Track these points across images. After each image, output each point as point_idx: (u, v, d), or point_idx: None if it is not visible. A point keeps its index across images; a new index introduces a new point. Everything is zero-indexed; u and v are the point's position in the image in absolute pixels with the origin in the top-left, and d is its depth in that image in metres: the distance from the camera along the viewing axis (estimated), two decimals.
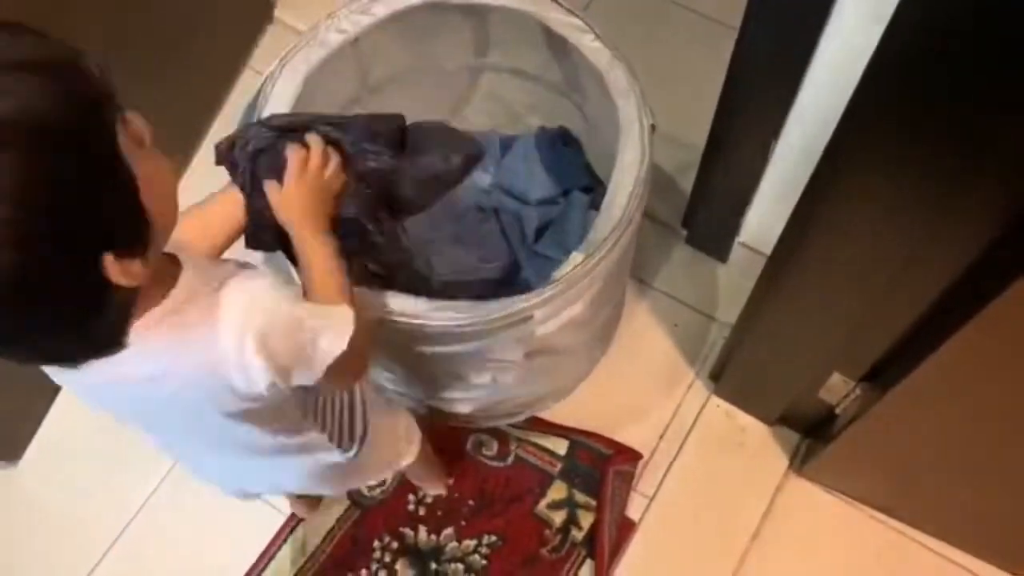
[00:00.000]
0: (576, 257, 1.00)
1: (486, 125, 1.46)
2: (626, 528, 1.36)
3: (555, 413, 1.42)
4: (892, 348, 1.09)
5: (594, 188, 1.39)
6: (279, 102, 1.09)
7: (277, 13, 1.77)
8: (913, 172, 0.79)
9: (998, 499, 1.21)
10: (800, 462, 1.40)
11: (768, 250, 1.35)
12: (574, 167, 1.40)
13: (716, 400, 1.44)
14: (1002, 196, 0.77)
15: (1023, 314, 0.81)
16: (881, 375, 1.13)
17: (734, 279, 1.50)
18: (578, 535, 1.35)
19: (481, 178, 1.44)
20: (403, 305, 0.98)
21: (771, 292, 1.12)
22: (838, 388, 1.22)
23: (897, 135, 0.76)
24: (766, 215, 1.36)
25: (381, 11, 1.16)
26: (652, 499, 1.38)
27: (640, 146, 1.07)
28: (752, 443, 1.42)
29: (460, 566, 1.34)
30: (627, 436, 1.41)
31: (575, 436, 1.41)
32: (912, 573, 1.35)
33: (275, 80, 1.11)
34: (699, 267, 1.53)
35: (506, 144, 1.44)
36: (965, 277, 0.89)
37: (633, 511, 1.37)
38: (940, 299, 0.94)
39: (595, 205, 1.35)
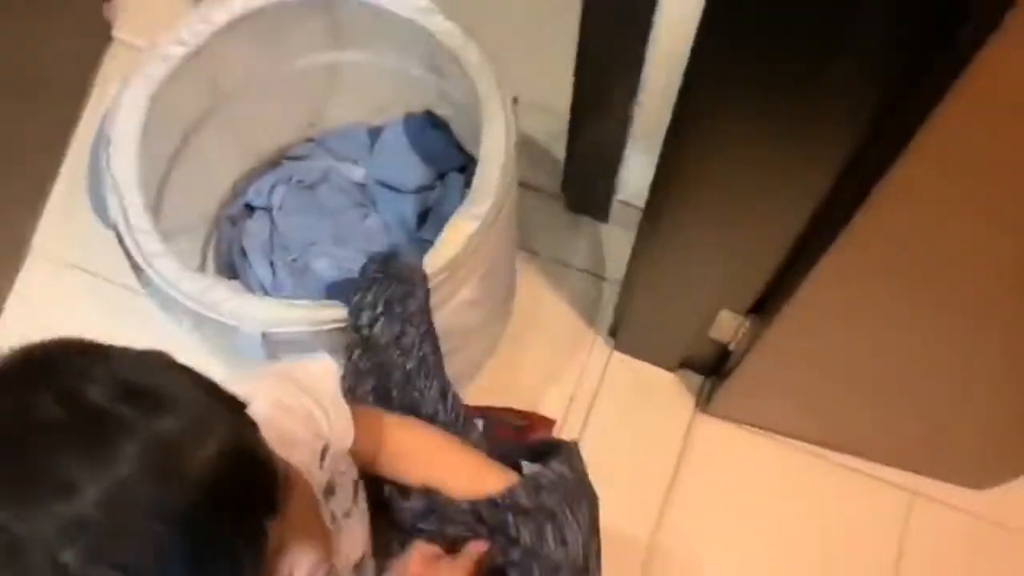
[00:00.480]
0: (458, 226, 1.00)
1: (351, 120, 1.44)
2: None
3: (465, 395, 1.42)
4: (772, 280, 1.13)
5: (467, 167, 1.39)
6: (127, 124, 1.05)
7: (116, 32, 1.69)
8: (764, 104, 0.82)
9: (890, 407, 1.29)
10: (705, 401, 1.45)
11: (640, 205, 1.39)
12: (446, 149, 1.40)
13: (618, 355, 1.47)
14: (845, 131, 0.81)
15: (876, 237, 0.86)
16: (765, 306, 1.18)
17: (618, 237, 1.53)
18: None
19: (353, 172, 1.42)
20: (284, 313, 0.96)
21: (649, 243, 1.15)
22: (728, 325, 1.27)
23: (744, 67, 0.79)
24: (640, 169, 1.39)
25: (220, 18, 1.13)
26: None
27: (503, 119, 1.07)
28: (659, 390, 1.46)
29: None
30: (538, 404, 1.43)
31: (488, 414, 1.42)
32: (823, 488, 1.42)
33: (119, 102, 1.07)
34: (583, 230, 1.55)
35: (374, 135, 1.43)
36: (825, 205, 0.94)
37: None
38: (807, 228, 0.99)
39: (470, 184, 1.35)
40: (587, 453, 1.38)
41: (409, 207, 1.38)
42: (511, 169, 1.06)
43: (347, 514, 0.67)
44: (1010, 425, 1.22)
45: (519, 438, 1.40)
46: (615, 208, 1.51)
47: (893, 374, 1.20)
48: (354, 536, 0.68)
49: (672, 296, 1.24)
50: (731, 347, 1.32)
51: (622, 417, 1.44)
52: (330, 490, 0.66)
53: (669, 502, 1.39)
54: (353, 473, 0.70)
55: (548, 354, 1.47)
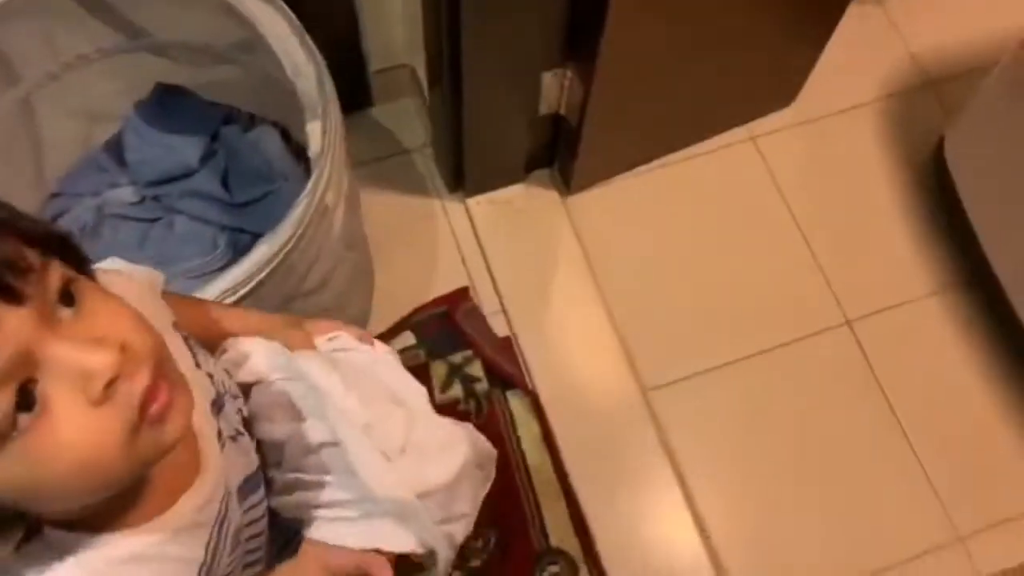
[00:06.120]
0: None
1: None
2: (507, 344, 1.43)
3: (379, 325, 1.43)
4: (573, 16, 1.17)
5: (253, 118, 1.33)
6: None
7: None
8: None
9: (704, 80, 1.39)
10: (566, 185, 1.51)
11: (400, 62, 1.40)
12: (198, 107, 1.31)
13: (472, 200, 1.50)
14: None
15: None
16: (579, 47, 1.22)
17: (393, 109, 1.53)
18: (484, 385, 1.40)
19: (124, 195, 1.30)
20: None
21: (446, 68, 1.18)
22: (553, 86, 1.30)
23: None
24: (381, 29, 1.39)
25: None
26: (503, 307, 1.45)
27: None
28: (525, 203, 1.50)
29: None
30: (442, 286, 1.45)
31: (410, 322, 1.44)
32: (696, 182, 1.54)
33: None
34: (362, 123, 1.53)
35: (113, 152, 1.31)
36: None
37: (499, 328, 1.43)
38: None
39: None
40: (510, 289, 1.44)
41: (205, 184, 1.28)
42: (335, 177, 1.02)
43: (234, 438, 0.65)
44: (779, 49, 1.41)
45: (449, 322, 1.42)
46: (375, 83, 1.49)
47: (702, 50, 1.30)
48: (244, 453, 0.67)
49: (492, 95, 1.26)
50: (563, 111, 1.36)
51: (515, 244, 1.48)
52: (218, 405, 0.64)
53: (598, 279, 1.46)
54: (240, 403, 0.69)
55: (415, 242, 1.49)
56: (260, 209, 1.25)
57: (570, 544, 1.29)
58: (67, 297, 0.44)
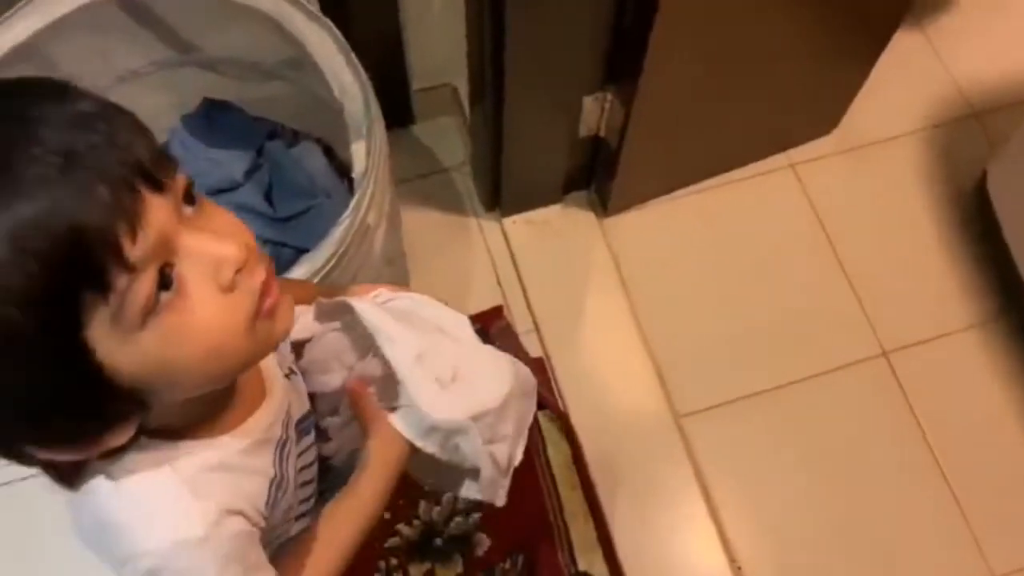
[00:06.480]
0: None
1: None
2: (539, 365, 1.43)
3: None
4: (616, 41, 1.18)
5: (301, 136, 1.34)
6: None
7: None
8: None
9: (746, 107, 1.39)
10: (603, 207, 1.50)
11: (442, 80, 1.41)
12: (245, 123, 1.32)
13: (508, 219, 1.51)
14: None
15: None
16: (619, 70, 1.23)
17: (434, 126, 1.54)
18: None
19: None
20: None
21: (488, 86, 1.18)
22: (593, 109, 1.31)
23: None
24: (425, 49, 1.40)
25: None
26: (537, 327, 1.45)
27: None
28: (562, 223, 1.51)
29: (458, 519, 1.35)
30: (476, 305, 1.46)
31: None
32: (733, 208, 1.53)
33: None
34: (403, 140, 1.54)
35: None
36: None
37: (532, 348, 1.43)
38: None
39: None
40: (543, 310, 1.45)
41: (249, 198, 1.28)
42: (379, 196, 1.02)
43: (288, 376, 0.68)
44: (821, 76, 1.41)
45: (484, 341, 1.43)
46: (416, 102, 1.51)
47: (743, 76, 1.30)
48: (299, 393, 0.70)
49: (532, 117, 1.27)
50: (603, 133, 1.37)
51: (550, 264, 1.49)
52: None
53: (632, 299, 1.46)
54: (290, 353, 0.72)
55: (452, 264, 1.49)
56: (303, 224, 1.26)
57: (598, 568, 1.29)
58: (189, 198, 0.49)
